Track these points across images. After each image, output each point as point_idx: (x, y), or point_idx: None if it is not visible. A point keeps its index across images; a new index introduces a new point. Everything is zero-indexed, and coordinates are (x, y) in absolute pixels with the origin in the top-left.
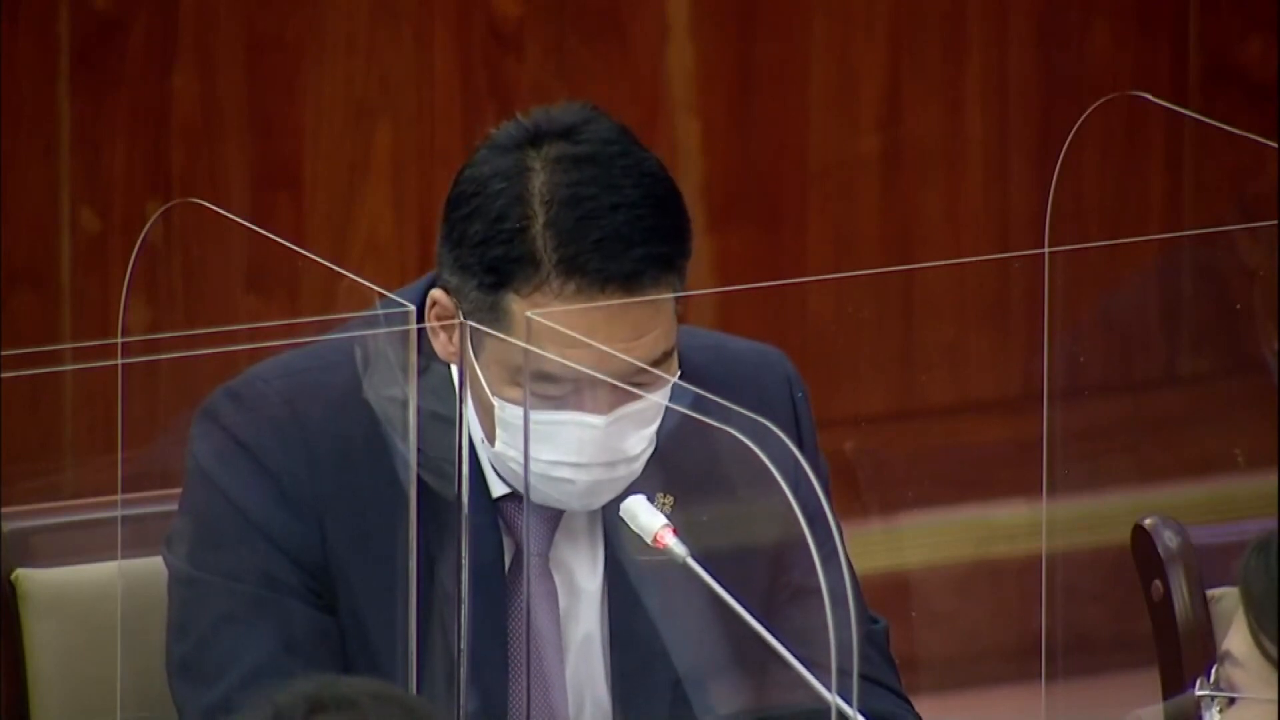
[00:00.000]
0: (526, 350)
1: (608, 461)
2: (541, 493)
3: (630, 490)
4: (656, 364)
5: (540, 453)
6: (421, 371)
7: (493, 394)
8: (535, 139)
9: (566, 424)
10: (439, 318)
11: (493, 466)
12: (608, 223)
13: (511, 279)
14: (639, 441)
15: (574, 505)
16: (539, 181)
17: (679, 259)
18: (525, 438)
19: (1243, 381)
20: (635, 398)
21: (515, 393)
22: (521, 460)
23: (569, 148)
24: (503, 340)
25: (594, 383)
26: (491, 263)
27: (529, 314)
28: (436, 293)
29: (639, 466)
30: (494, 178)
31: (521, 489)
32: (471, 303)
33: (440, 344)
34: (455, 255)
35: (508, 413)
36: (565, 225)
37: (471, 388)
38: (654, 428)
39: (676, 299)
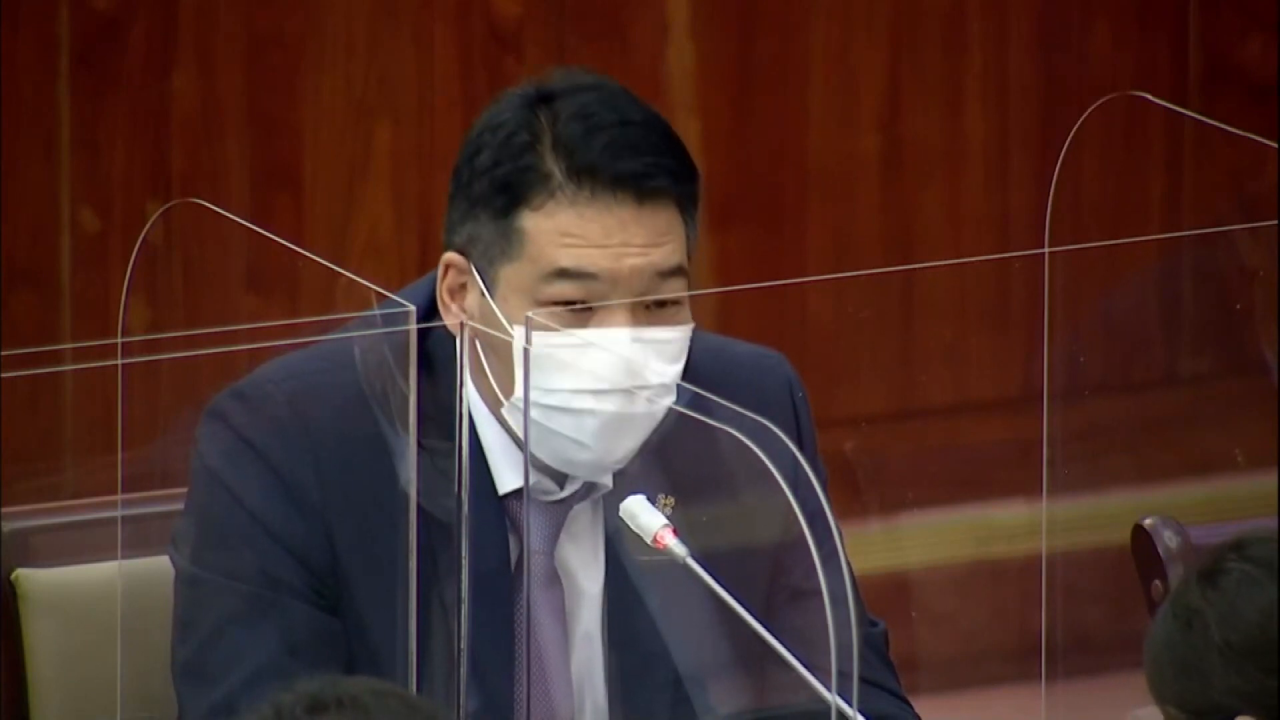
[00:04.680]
0: (526, 352)
1: (628, 389)
2: (560, 438)
3: (630, 490)
4: (669, 276)
5: (559, 382)
6: (423, 371)
7: (513, 327)
8: (540, 92)
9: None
10: (451, 285)
11: (509, 437)
12: (617, 133)
13: (524, 193)
14: (659, 374)
15: (592, 451)
16: (547, 110)
17: (688, 185)
18: (525, 437)
19: (1243, 381)
20: (656, 323)
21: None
22: (542, 395)
23: (574, 83)
24: (519, 264)
25: (615, 293)
26: (503, 180)
27: (528, 313)
28: (448, 255)
29: (659, 411)
30: (503, 112)
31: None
32: (485, 242)
33: (452, 318)
34: (466, 195)
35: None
36: (574, 135)
37: (485, 348)
38: (677, 367)
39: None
